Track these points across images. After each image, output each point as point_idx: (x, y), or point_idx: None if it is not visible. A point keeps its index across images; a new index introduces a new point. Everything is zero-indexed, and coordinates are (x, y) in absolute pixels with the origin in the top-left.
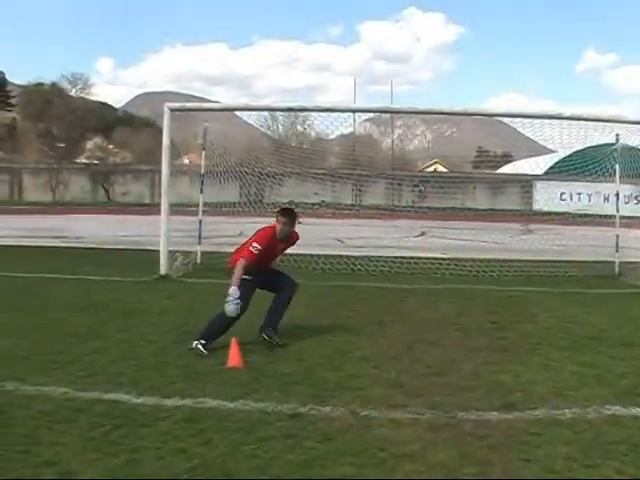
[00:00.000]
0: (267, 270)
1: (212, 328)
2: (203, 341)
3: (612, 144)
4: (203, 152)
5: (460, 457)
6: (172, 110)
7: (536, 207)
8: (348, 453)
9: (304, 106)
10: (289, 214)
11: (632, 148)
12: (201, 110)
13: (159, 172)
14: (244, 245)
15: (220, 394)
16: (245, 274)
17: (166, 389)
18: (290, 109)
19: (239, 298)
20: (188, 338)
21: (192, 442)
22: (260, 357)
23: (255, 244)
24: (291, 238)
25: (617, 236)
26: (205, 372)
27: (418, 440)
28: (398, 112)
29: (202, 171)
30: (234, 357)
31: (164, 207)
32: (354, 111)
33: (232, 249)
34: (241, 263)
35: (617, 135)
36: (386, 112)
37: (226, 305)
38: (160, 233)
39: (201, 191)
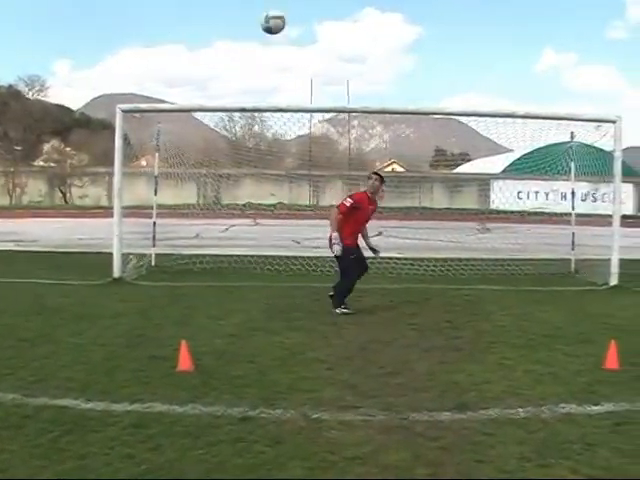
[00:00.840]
0: (357, 245)
1: (341, 294)
2: (343, 308)
3: (567, 142)
4: (157, 154)
5: (412, 459)
6: (124, 111)
7: (493, 206)
8: (298, 457)
9: (257, 106)
10: (379, 174)
11: (587, 146)
12: (154, 111)
13: None
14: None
15: (170, 398)
16: (350, 254)
17: (116, 394)
18: (243, 109)
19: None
20: (140, 342)
21: (140, 448)
22: (211, 360)
23: (348, 199)
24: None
25: (573, 234)
26: (156, 376)
27: (370, 442)
28: (351, 112)
29: (156, 173)
30: (184, 361)
31: (117, 209)
32: (306, 111)
33: (187, 251)
34: (335, 211)
35: (572, 133)
36: (337, 111)
37: (333, 247)
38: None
39: (155, 193)
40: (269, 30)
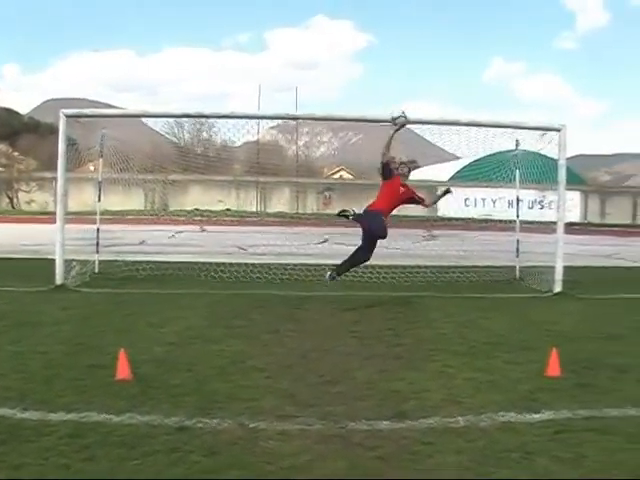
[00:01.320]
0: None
1: (345, 266)
2: (335, 276)
3: (513, 150)
4: (101, 159)
5: (349, 468)
6: (68, 116)
7: (440, 213)
8: (234, 467)
9: (201, 112)
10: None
11: (533, 154)
12: (97, 116)
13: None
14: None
15: (107, 407)
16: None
17: (53, 403)
18: (187, 115)
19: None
20: (81, 350)
21: (76, 458)
22: (150, 369)
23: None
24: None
25: (517, 241)
26: (93, 385)
27: (307, 452)
28: (294, 118)
29: (99, 179)
30: (123, 369)
31: (60, 215)
32: (249, 117)
33: (132, 257)
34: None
35: (517, 141)
36: (281, 118)
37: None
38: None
39: (99, 199)
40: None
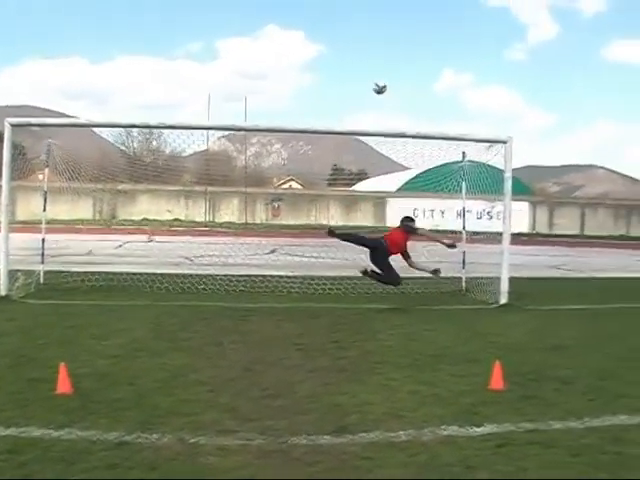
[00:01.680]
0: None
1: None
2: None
3: (460, 161)
4: (46, 169)
5: None
6: (13, 125)
7: (389, 224)
8: None
9: (147, 123)
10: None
11: (480, 165)
12: (44, 125)
13: (13, 189)
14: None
15: (46, 422)
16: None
17: None
18: (133, 125)
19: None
20: (23, 363)
21: (14, 474)
22: (92, 382)
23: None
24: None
25: (464, 252)
26: (34, 399)
27: (246, 467)
28: (240, 130)
29: (45, 188)
30: (63, 383)
31: (4, 225)
32: (195, 128)
33: (78, 268)
34: None
35: (463, 153)
36: (226, 129)
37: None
38: None
39: (44, 209)
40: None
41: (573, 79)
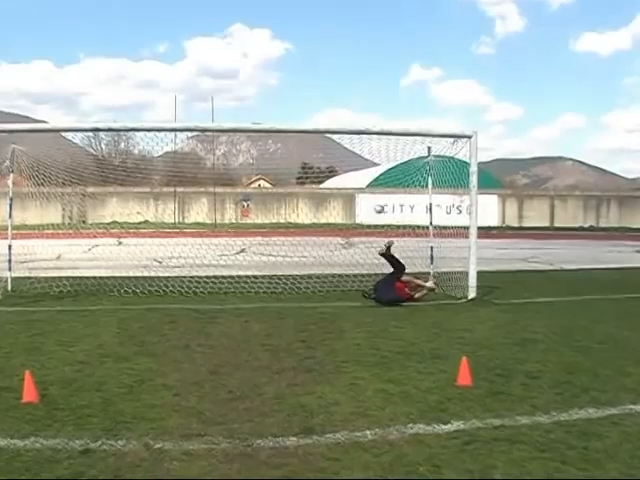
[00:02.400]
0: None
1: None
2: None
3: (425, 157)
4: (11, 174)
5: None
6: None
7: (358, 220)
8: None
9: (110, 126)
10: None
11: (446, 159)
12: (5, 131)
13: None
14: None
15: (11, 432)
16: None
17: None
18: (96, 129)
19: None
20: None
21: None
22: (58, 389)
23: None
24: None
25: (431, 247)
26: None
27: (212, 472)
28: (205, 130)
29: (10, 194)
30: (29, 391)
31: None
32: (160, 130)
33: (46, 274)
34: None
35: (429, 148)
36: (190, 130)
37: None
38: None
39: (9, 215)
40: None
41: (540, 72)
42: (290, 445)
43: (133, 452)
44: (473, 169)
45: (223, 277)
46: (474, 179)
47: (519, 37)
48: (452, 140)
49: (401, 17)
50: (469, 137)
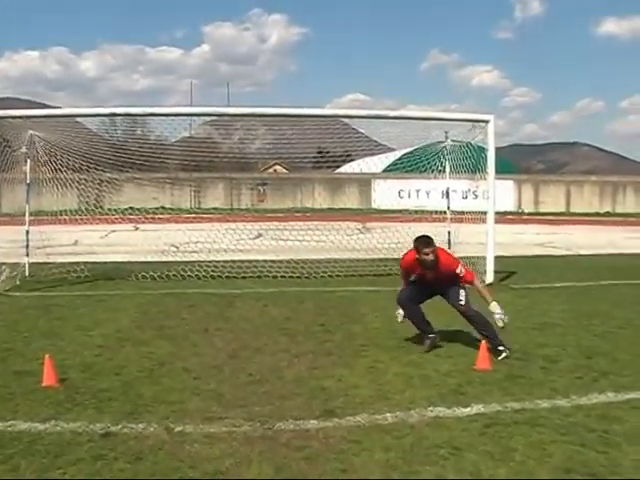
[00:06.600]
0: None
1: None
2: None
3: (443, 141)
4: (29, 160)
5: (275, 471)
6: None
7: (374, 205)
8: (158, 473)
9: (127, 111)
10: (417, 242)
11: (464, 144)
12: (24, 117)
13: None
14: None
15: (32, 415)
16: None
17: None
18: (114, 114)
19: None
20: (7, 356)
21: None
22: (77, 374)
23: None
24: (442, 266)
25: (449, 232)
26: (20, 392)
27: (232, 455)
28: (222, 115)
29: (27, 181)
30: (49, 375)
31: None
32: (177, 115)
33: (64, 259)
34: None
35: (446, 133)
36: (210, 115)
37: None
38: None
39: (27, 201)
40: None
41: (559, 56)
42: (311, 427)
43: (154, 435)
44: (490, 153)
45: (241, 261)
46: (491, 163)
47: (538, 22)
48: (469, 125)
49: (420, 1)
50: (486, 122)
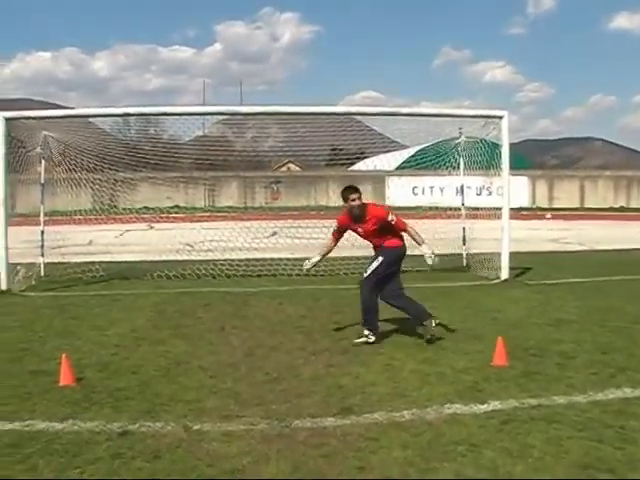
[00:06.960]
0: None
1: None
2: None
3: (456, 138)
4: (43, 161)
5: (292, 469)
6: (7, 119)
7: (389, 202)
8: (176, 471)
9: (141, 110)
10: (344, 191)
11: (477, 141)
12: (38, 118)
13: (14, 183)
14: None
15: (50, 415)
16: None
17: None
18: (127, 114)
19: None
20: (24, 356)
21: (18, 469)
22: (94, 373)
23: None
24: (370, 216)
25: (464, 229)
26: (37, 392)
27: (250, 453)
28: (235, 114)
29: (42, 181)
30: (66, 375)
31: (2, 219)
32: (191, 114)
33: (78, 259)
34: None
35: (460, 129)
36: (222, 114)
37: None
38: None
39: (41, 201)
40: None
41: (572, 52)
42: (328, 425)
43: (172, 433)
44: (504, 149)
45: (256, 260)
46: (505, 159)
47: (551, 17)
48: (483, 122)
49: None
50: (500, 118)
